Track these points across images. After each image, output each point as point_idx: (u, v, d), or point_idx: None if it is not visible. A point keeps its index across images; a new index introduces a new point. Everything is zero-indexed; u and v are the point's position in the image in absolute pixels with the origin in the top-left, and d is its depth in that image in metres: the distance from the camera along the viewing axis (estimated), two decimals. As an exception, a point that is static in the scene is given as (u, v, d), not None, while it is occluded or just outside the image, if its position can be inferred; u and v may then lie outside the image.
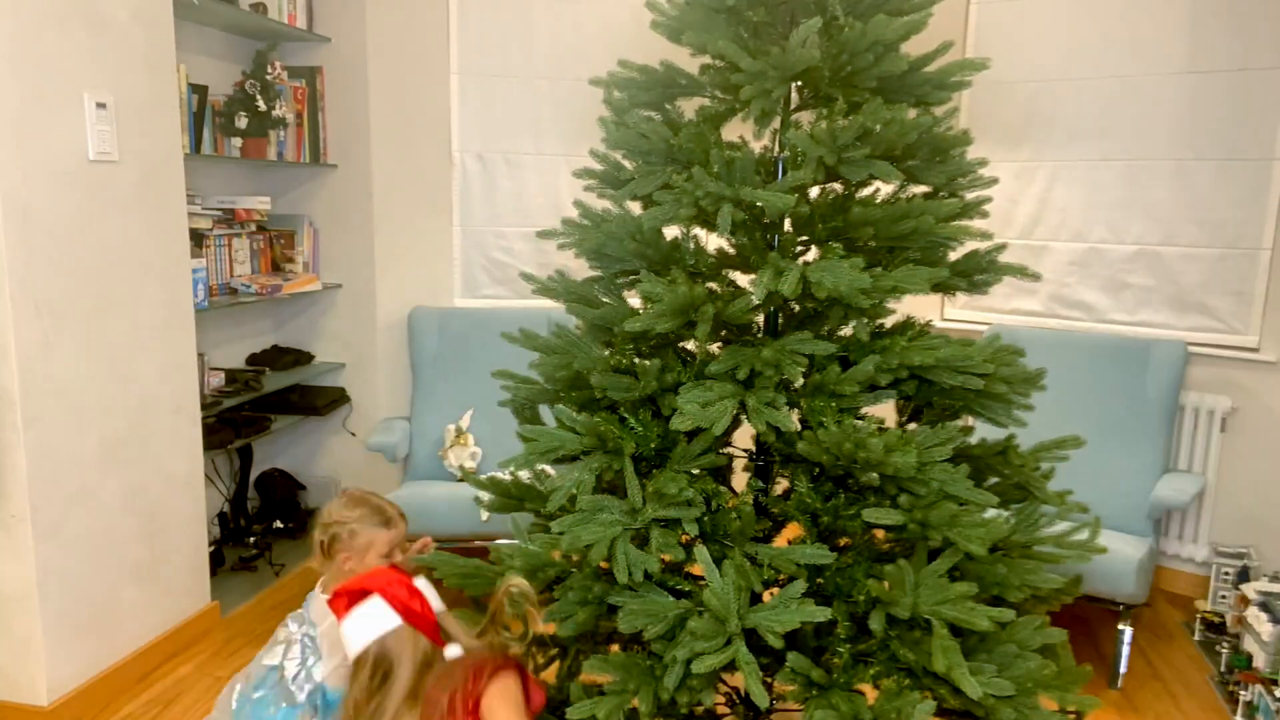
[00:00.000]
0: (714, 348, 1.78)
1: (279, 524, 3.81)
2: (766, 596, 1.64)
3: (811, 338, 1.69)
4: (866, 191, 1.82)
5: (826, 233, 1.76)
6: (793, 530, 1.80)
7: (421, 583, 1.67)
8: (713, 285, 1.82)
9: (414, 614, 1.61)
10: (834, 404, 1.69)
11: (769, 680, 1.73)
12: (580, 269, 1.92)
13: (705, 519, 1.71)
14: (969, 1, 3.60)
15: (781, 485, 1.86)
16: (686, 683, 1.59)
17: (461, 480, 3.32)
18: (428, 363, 3.71)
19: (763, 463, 1.87)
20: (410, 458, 3.62)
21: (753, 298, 1.64)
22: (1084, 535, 1.81)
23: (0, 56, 2.29)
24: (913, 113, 1.73)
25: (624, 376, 1.75)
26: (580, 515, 1.67)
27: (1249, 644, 2.77)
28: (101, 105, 2.57)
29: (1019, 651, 1.62)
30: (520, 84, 3.77)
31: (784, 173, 1.77)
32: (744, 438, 1.87)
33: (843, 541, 1.78)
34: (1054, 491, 1.86)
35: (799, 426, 1.70)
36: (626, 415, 1.77)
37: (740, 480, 1.91)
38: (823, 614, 1.57)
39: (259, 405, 3.60)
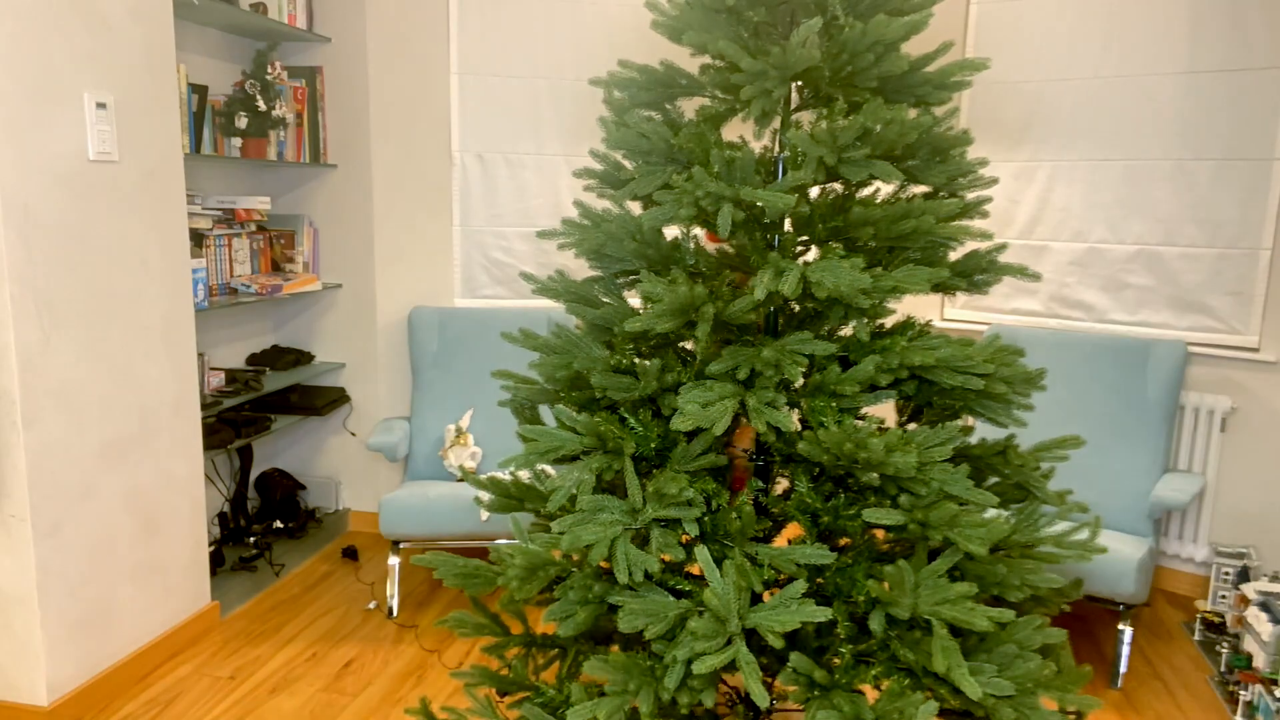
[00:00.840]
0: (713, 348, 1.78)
1: (279, 524, 3.82)
2: (766, 596, 1.64)
3: (811, 338, 1.69)
4: (866, 191, 1.82)
5: (826, 233, 1.76)
6: (793, 530, 1.80)
7: None
8: (713, 285, 1.82)
9: None
10: (834, 404, 1.69)
11: (769, 680, 1.73)
12: (580, 269, 1.92)
13: (705, 519, 1.71)
14: (969, 1, 3.60)
15: (781, 485, 1.87)
16: (687, 683, 1.59)
17: (461, 480, 3.32)
18: (428, 363, 3.71)
19: (763, 463, 1.88)
20: (410, 458, 3.62)
21: (753, 298, 1.65)
22: (1084, 535, 1.81)
23: (0, 56, 2.29)
24: (913, 113, 1.73)
25: (624, 376, 1.75)
26: (580, 515, 1.67)
27: (1249, 644, 2.77)
28: (101, 105, 2.57)
29: (1019, 652, 1.63)
30: (520, 84, 3.77)
31: (784, 173, 1.77)
32: (743, 438, 1.87)
33: (843, 541, 1.79)
34: (1054, 491, 1.86)
35: (799, 426, 1.70)
36: (626, 415, 1.78)
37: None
38: (823, 614, 1.57)
39: (259, 405, 3.60)
